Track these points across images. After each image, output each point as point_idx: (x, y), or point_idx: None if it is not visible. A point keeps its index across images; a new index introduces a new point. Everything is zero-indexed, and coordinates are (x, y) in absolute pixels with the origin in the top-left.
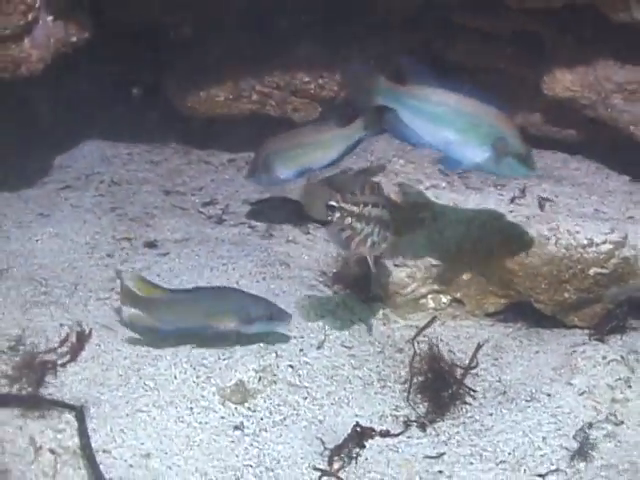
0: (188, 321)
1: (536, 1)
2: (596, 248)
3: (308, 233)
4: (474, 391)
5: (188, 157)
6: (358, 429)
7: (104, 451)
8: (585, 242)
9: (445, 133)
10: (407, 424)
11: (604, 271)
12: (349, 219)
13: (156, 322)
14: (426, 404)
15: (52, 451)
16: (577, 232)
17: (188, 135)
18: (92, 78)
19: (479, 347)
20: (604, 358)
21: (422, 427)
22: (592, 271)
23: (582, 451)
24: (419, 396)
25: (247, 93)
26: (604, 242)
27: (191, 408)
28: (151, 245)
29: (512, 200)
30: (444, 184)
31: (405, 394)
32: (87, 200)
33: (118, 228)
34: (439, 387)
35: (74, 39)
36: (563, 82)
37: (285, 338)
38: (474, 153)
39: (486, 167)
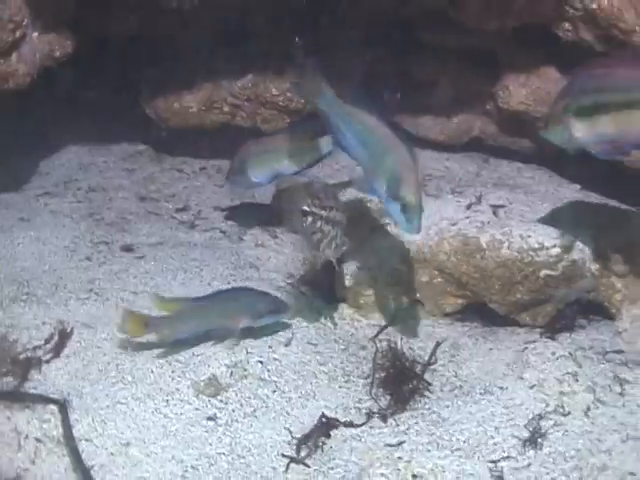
0: (206, 325)
1: (491, 22)
2: (546, 252)
3: (276, 237)
4: (431, 385)
5: (161, 165)
6: (324, 419)
7: (86, 440)
8: (536, 246)
9: (361, 153)
10: (369, 415)
11: (554, 273)
12: (319, 222)
13: (174, 332)
14: (388, 397)
15: (38, 440)
16: (529, 236)
17: (162, 144)
18: (71, 88)
19: (438, 345)
20: (553, 354)
21: (383, 418)
22: (543, 273)
23: (532, 439)
24: (381, 390)
25: (219, 105)
26: (554, 246)
27: (167, 400)
28: (128, 249)
29: (469, 206)
30: None
31: (368, 388)
32: (65, 206)
33: (96, 232)
34: (400, 381)
35: (58, 54)
36: (517, 96)
37: (255, 335)
38: (376, 184)
39: (380, 199)
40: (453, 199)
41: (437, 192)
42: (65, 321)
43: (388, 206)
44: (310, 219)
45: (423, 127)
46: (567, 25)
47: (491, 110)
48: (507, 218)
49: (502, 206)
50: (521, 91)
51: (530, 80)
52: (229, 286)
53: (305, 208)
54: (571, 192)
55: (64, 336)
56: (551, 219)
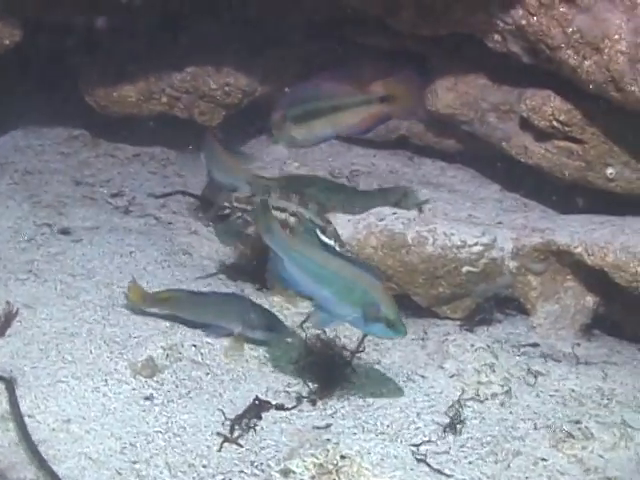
0: (201, 318)
1: (424, 29)
2: (468, 249)
3: (209, 225)
4: (356, 372)
5: (96, 150)
6: (257, 402)
7: (29, 416)
8: (459, 243)
9: (319, 289)
10: (299, 399)
11: (474, 269)
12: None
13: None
14: (316, 382)
15: None
16: (452, 234)
17: (97, 129)
18: (10, 73)
19: (366, 335)
20: (472, 346)
21: (312, 402)
22: (464, 269)
23: (452, 425)
24: (310, 375)
25: (157, 95)
26: (475, 244)
27: (106, 380)
28: (65, 232)
29: (396, 204)
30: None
31: (296, 373)
32: (3, 187)
33: (38, 214)
34: (327, 368)
35: (7, 42)
36: (445, 100)
37: (189, 321)
38: (346, 312)
39: (355, 326)
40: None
41: (365, 187)
42: (10, 302)
43: (369, 328)
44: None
45: None
46: (497, 37)
47: None
48: (432, 215)
49: (431, 208)
50: (449, 95)
51: (458, 85)
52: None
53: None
54: (492, 192)
55: (9, 317)
56: (473, 218)
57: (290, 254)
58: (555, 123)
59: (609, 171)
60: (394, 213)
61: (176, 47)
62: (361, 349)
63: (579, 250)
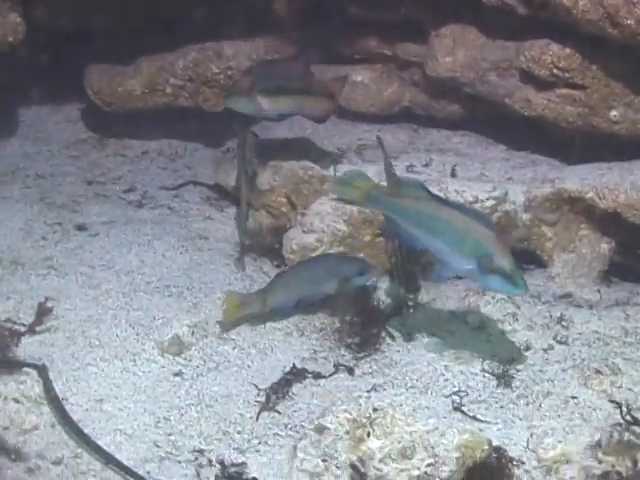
0: (300, 293)
1: None
2: (481, 204)
3: (222, 211)
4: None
5: (105, 151)
6: (294, 370)
7: (63, 399)
8: (471, 199)
9: (432, 241)
10: (336, 366)
11: None
12: None
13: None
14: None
15: (16, 400)
16: (464, 191)
17: (104, 130)
18: (15, 76)
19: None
20: (493, 298)
21: (349, 371)
22: None
23: (481, 374)
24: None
25: (162, 86)
26: (487, 199)
27: (134, 360)
28: (81, 228)
29: (407, 169)
30: (343, 160)
31: (321, 341)
32: (16, 192)
33: (48, 215)
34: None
35: (10, 39)
36: (445, 64)
37: (210, 300)
38: (460, 264)
39: (473, 279)
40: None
41: (374, 159)
42: (49, 297)
43: (486, 281)
44: None
45: (354, 102)
46: None
47: (419, 80)
48: (442, 176)
49: (441, 170)
50: (448, 59)
51: (457, 48)
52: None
53: None
54: (499, 152)
55: (44, 312)
56: (483, 176)
57: (400, 210)
58: (555, 70)
59: (613, 113)
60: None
61: (176, 37)
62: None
63: (590, 195)
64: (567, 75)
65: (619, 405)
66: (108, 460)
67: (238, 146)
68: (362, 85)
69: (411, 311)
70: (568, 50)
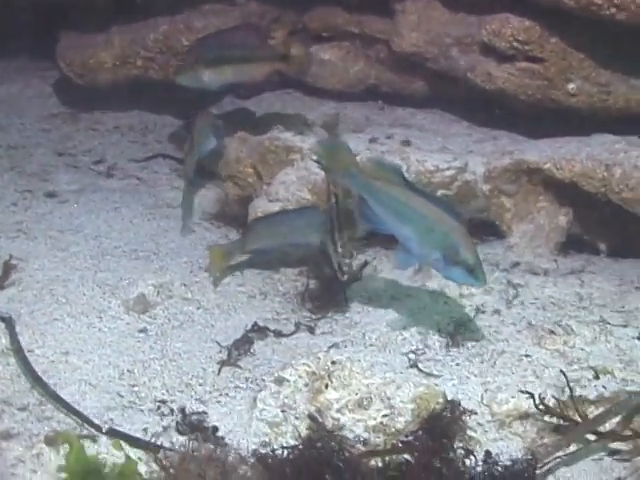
0: (280, 240)
1: None
2: (441, 173)
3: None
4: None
5: (76, 125)
6: (255, 328)
7: (29, 351)
8: (432, 168)
9: (401, 228)
10: (297, 325)
11: (449, 192)
12: None
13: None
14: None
15: None
16: (425, 161)
17: (76, 105)
18: None
19: (365, 264)
20: None
21: (310, 330)
22: (439, 193)
23: (438, 334)
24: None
25: (133, 59)
26: (448, 168)
27: (100, 317)
28: (51, 195)
29: (370, 141)
30: (309, 132)
31: (283, 304)
32: None
33: (19, 182)
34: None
35: None
36: (409, 40)
37: (176, 263)
38: (426, 254)
39: (436, 268)
40: (354, 135)
41: (340, 133)
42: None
43: (449, 272)
44: None
45: (321, 79)
46: None
47: (385, 57)
48: (405, 147)
49: (404, 141)
50: (413, 35)
51: (421, 24)
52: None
53: None
54: (461, 128)
55: (8, 269)
56: (445, 149)
57: (374, 192)
58: (515, 43)
59: (570, 86)
60: (367, 149)
61: (147, 9)
62: (359, 277)
63: (548, 166)
64: (526, 48)
65: (531, 395)
66: (67, 408)
67: (190, 125)
68: (329, 63)
69: (345, 277)
70: (527, 23)
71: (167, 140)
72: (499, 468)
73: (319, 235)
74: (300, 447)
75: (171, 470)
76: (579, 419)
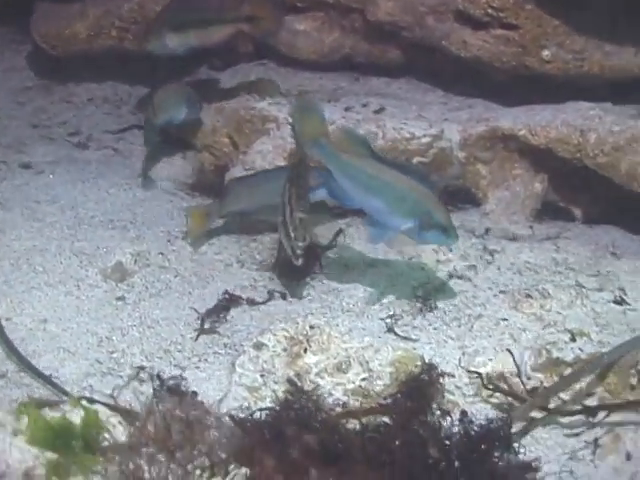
0: (259, 200)
1: None
2: (417, 140)
3: (167, 153)
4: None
5: (51, 98)
6: (227, 296)
7: (7, 319)
8: (408, 135)
9: (370, 200)
10: (270, 293)
11: (425, 160)
12: None
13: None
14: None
15: None
16: (401, 128)
17: (49, 77)
18: None
19: (339, 232)
20: None
21: (283, 296)
22: (415, 160)
23: (415, 299)
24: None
25: (107, 29)
26: (424, 135)
27: (78, 285)
28: (26, 166)
29: (346, 109)
30: (285, 102)
31: (261, 272)
32: None
33: None
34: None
35: None
36: (384, 8)
37: (153, 232)
38: (399, 224)
39: (410, 236)
40: (330, 105)
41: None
42: None
43: (424, 237)
44: None
45: (296, 49)
46: None
47: (360, 27)
48: (381, 115)
49: (378, 110)
50: (388, 4)
51: None
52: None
53: None
54: (437, 97)
55: None
56: (420, 117)
57: (342, 165)
58: (490, 10)
59: (545, 53)
60: (343, 117)
61: None
62: (334, 244)
63: (523, 132)
64: (501, 15)
65: (479, 375)
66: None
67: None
68: (304, 33)
69: (300, 262)
70: None
71: (135, 109)
72: (475, 428)
73: None
74: (277, 409)
75: (137, 424)
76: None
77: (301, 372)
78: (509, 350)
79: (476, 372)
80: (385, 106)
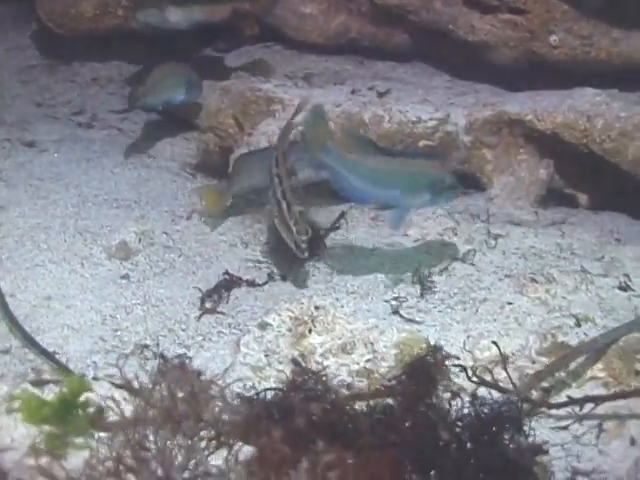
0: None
1: None
2: (423, 124)
3: (171, 132)
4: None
5: (55, 77)
6: (227, 277)
7: (11, 295)
8: (414, 119)
9: (386, 191)
10: (270, 275)
11: (431, 143)
12: None
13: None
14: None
15: None
16: (407, 112)
17: (55, 56)
18: None
19: (343, 214)
20: (434, 214)
21: (283, 278)
22: (421, 143)
23: (419, 282)
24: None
25: (113, 8)
26: (430, 119)
27: (82, 263)
28: (30, 144)
29: (352, 92)
30: (289, 83)
31: (265, 253)
32: None
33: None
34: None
35: None
36: None
37: (157, 212)
38: (418, 201)
39: (428, 206)
40: (336, 87)
41: (321, 84)
42: None
43: (438, 201)
44: None
45: (303, 32)
46: None
47: (367, 10)
48: (387, 99)
49: (384, 92)
50: None
51: None
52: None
53: None
54: (442, 81)
55: None
56: (426, 101)
57: (350, 165)
58: None
59: (552, 38)
60: (349, 99)
61: None
62: (337, 225)
63: (529, 117)
64: None
65: (464, 369)
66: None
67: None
68: (310, 16)
69: (306, 254)
70: None
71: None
72: (485, 410)
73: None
74: (285, 389)
75: (143, 394)
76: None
77: (305, 352)
78: (495, 343)
79: (460, 366)
80: (391, 89)
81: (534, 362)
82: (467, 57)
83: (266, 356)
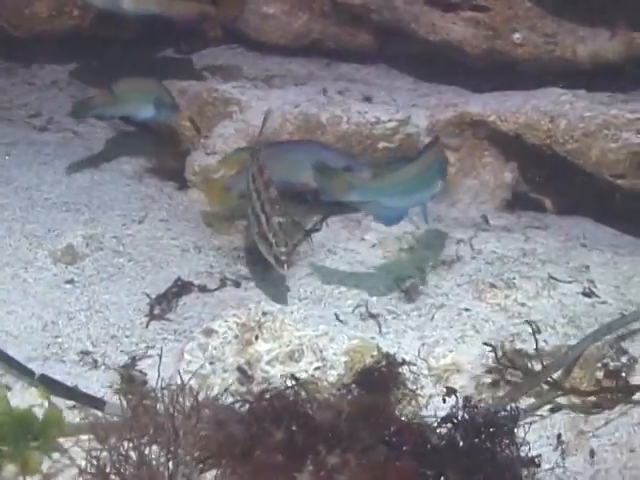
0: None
1: None
2: (383, 125)
3: (126, 135)
4: None
5: (12, 79)
6: (179, 283)
7: None
8: (373, 120)
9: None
10: (222, 281)
11: (391, 145)
12: None
13: None
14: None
15: None
16: (366, 112)
17: (13, 59)
18: None
19: (324, 218)
20: None
21: (236, 284)
22: (380, 145)
23: (375, 288)
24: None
25: (69, 9)
26: (390, 120)
27: (26, 268)
28: None
29: (311, 93)
30: (248, 85)
31: (218, 258)
32: None
33: None
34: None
35: None
36: None
37: (108, 216)
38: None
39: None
40: (295, 88)
41: (281, 85)
42: None
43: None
44: None
45: (264, 33)
46: None
47: (329, 11)
48: (346, 99)
49: (342, 92)
50: None
51: None
52: None
53: None
54: (406, 83)
55: None
56: (387, 101)
57: (387, 190)
58: None
59: (516, 36)
60: (308, 100)
61: None
62: (317, 227)
63: (492, 118)
64: None
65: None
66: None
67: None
68: (273, 17)
69: (286, 267)
70: None
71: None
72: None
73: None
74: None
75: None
76: None
77: (252, 360)
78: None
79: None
80: (352, 90)
81: (490, 372)
82: (430, 58)
83: (211, 364)
